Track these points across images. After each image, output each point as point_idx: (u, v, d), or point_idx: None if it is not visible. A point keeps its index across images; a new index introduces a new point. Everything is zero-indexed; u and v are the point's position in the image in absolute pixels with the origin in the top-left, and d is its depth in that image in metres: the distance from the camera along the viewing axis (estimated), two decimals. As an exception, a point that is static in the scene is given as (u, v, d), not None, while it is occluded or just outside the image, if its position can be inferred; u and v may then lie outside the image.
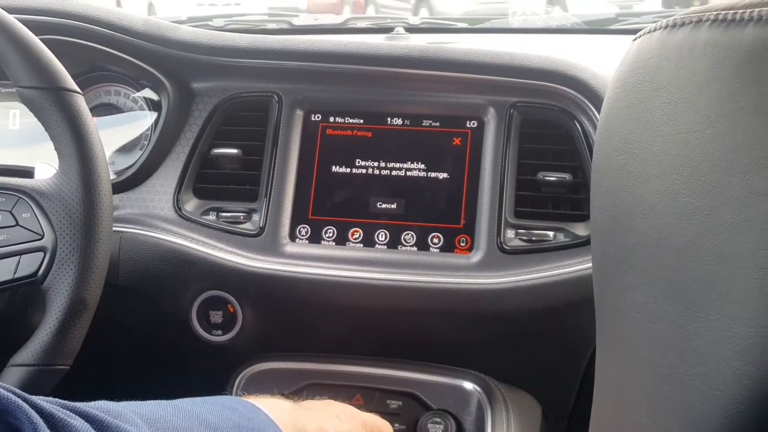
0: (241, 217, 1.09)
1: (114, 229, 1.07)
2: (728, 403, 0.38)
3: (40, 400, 0.55)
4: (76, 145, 0.84)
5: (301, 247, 1.07)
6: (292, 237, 1.08)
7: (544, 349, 1.05)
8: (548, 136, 1.06)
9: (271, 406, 0.75)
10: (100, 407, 0.59)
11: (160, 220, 1.10)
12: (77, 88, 0.88)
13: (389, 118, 1.09)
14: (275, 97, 1.11)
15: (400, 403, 1.05)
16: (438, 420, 1.02)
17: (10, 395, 0.52)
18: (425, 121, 1.08)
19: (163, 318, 1.10)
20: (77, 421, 0.55)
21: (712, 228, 0.40)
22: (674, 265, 0.42)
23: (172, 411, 0.65)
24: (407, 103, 1.09)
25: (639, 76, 0.46)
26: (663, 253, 0.43)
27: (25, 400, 0.53)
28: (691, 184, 0.41)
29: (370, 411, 1.00)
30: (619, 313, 0.49)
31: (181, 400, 0.70)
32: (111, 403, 0.62)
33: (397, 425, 1.04)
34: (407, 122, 1.09)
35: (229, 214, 1.09)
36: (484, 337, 1.05)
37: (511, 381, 1.07)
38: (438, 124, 1.08)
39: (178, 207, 1.10)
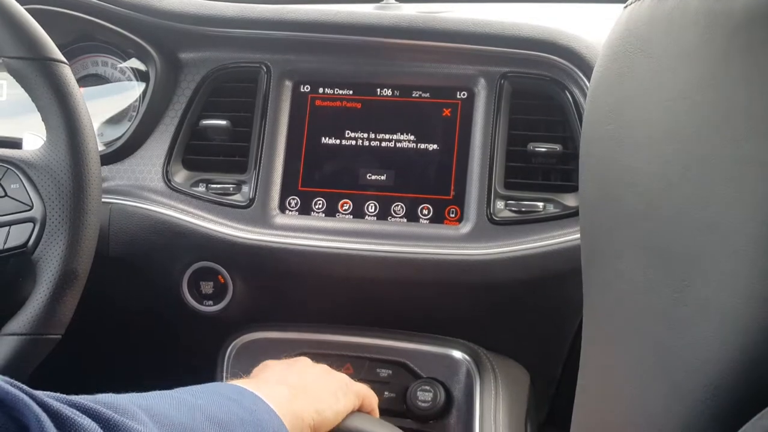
0: (231, 189, 1.09)
1: (103, 200, 1.07)
2: (713, 372, 0.38)
3: (46, 397, 0.54)
4: (64, 116, 0.84)
5: (291, 218, 1.07)
6: (282, 208, 1.08)
7: (533, 318, 1.06)
8: (539, 106, 1.05)
9: (270, 394, 0.76)
10: (105, 402, 0.59)
11: (149, 191, 1.10)
12: (63, 58, 0.87)
13: (379, 89, 1.09)
14: (264, 68, 1.10)
15: (390, 371, 1.06)
16: (427, 388, 1.03)
17: (17, 392, 0.52)
18: (415, 92, 1.08)
19: (154, 289, 1.10)
20: (85, 420, 0.55)
21: (700, 197, 0.40)
22: (662, 234, 0.42)
23: (176, 405, 0.65)
24: (397, 74, 1.09)
25: (629, 45, 0.46)
26: (651, 222, 0.43)
27: (30, 396, 0.52)
28: (680, 153, 0.41)
29: (360, 380, 1.01)
30: (606, 282, 0.49)
31: (184, 390, 0.70)
32: (114, 397, 0.61)
33: (386, 393, 1.05)
34: (397, 93, 1.08)
35: (218, 186, 1.09)
36: (474, 307, 1.05)
37: (499, 350, 1.08)
38: (428, 95, 1.07)
39: (167, 178, 1.10)
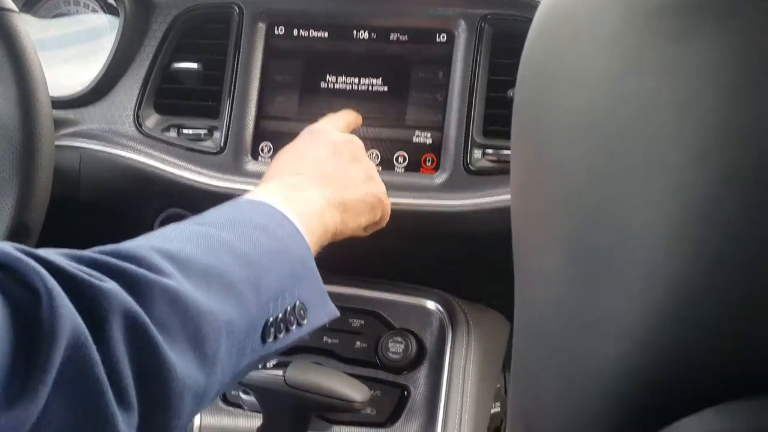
0: (203, 135, 1.06)
1: (74, 144, 1.05)
2: (614, 382, 0.36)
3: (56, 255, 0.51)
4: (13, 67, 0.81)
5: (263, 165, 1.05)
6: (254, 155, 1.05)
7: (510, 269, 1.03)
8: (521, 50, 1.01)
9: (303, 209, 0.75)
10: (123, 254, 0.56)
11: (120, 136, 1.07)
12: (14, 7, 0.84)
13: (355, 31, 1.04)
14: (236, 8, 1.06)
15: (362, 321, 1.05)
16: (399, 339, 1.01)
17: (19, 254, 0.48)
18: (393, 35, 1.03)
19: (125, 236, 1.08)
20: (105, 284, 0.51)
21: (612, 198, 0.37)
22: (577, 232, 0.40)
23: (201, 243, 0.63)
24: (374, 16, 1.04)
25: (555, 21, 0.43)
26: (569, 217, 0.41)
27: (36, 258, 0.49)
28: (596, 149, 0.38)
29: (331, 329, 1.01)
30: (528, 272, 0.47)
31: (208, 218, 0.68)
32: (131, 244, 0.58)
33: (358, 344, 1.04)
34: (374, 35, 1.04)
35: (190, 131, 1.07)
36: (449, 258, 1.03)
37: (475, 299, 1.07)
38: (406, 37, 1.03)
39: (138, 123, 1.07)
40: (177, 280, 0.57)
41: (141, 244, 0.59)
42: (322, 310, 0.73)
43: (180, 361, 0.55)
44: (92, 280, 0.51)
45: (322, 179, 0.82)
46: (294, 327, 0.68)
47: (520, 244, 0.49)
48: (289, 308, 0.67)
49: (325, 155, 0.86)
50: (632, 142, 0.36)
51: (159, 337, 0.53)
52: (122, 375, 0.51)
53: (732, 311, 0.31)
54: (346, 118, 0.96)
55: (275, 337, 0.66)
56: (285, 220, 0.71)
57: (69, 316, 0.48)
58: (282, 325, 0.66)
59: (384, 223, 0.91)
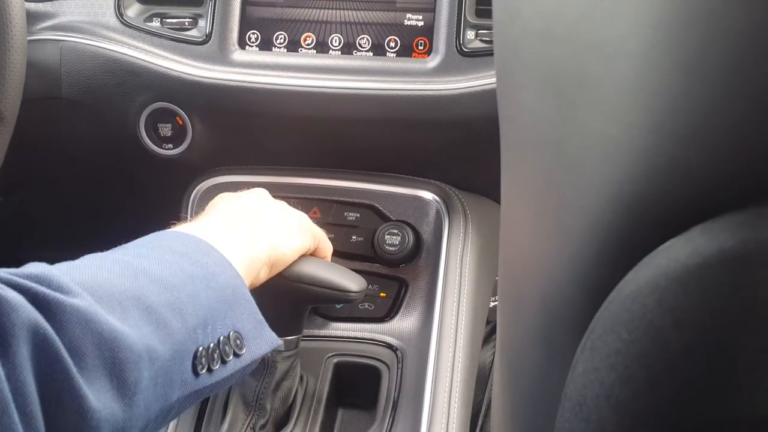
0: (187, 23, 1.02)
1: (53, 37, 1.01)
2: (596, 210, 0.34)
3: None
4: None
5: (251, 54, 1.01)
6: (241, 44, 1.01)
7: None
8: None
9: (224, 238, 0.71)
10: (34, 276, 0.53)
11: (101, 27, 1.03)
12: None
13: None
14: None
15: (358, 214, 1.02)
16: (395, 231, 0.99)
17: None
18: None
19: (111, 132, 1.05)
20: (10, 293, 0.49)
21: (590, 10, 0.34)
22: (555, 57, 0.37)
23: (117, 270, 0.60)
24: None
25: None
26: (546, 44, 0.37)
27: None
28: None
29: (327, 223, 0.98)
30: (510, 116, 0.44)
31: (127, 249, 0.65)
32: (46, 268, 0.55)
33: (354, 237, 1.02)
34: None
35: (174, 20, 1.02)
36: (444, 144, 1.00)
37: (473, 188, 1.04)
38: None
39: (119, 13, 1.03)
40: (87, 302, 0.53)
41: (51, 268, 0.55)
42: (262, 340, 0.68)
43: (94, 389, 0.51)
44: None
45: (243, 214, 0.79)
46: (231, 358, 0.64)
47: (501, 84, 0.46)
48: (222, 338, 0.63)
49: (254, 201, 0.83)
50: None
51: (70, 361, 0.49)
52: (28, 399, 0.47)
53: (719, 114, 0.28)
54: (328, 248, 0.90)
55: (209, 369, 0.62)
56: (209, 249, 0.68)
57: None
58: (216, 356, 0.62)
59: (327, 249, 0.88)
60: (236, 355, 0.65)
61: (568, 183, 0.36)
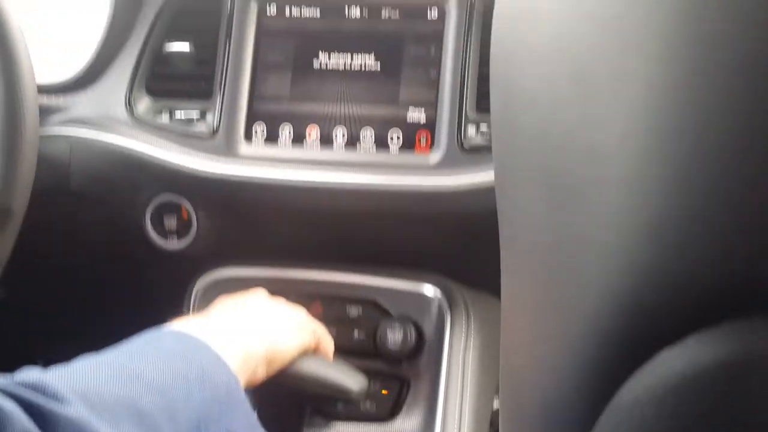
0: (195, 118, 1.04)
1: (64, 132, 1.03)
2: (594, 315, 0.34)
3: None
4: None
5: (257, 147, 1.02)
6: (248, 136, 1.03)
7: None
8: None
9: (221, 338, 0.71)
10: (29, 383, 0.53)
11: (112, 121, 1.05)
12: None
13: (347, 9, 1.02)
14: (227, -12, 1.04)
15: (360, 310, 1.02)
16: (397, 327, 0.98)
17: None
18: (384, 10, 1.01)
19: (117, 225, 1.06)
20: (6, 404, 0.49)
21: (583, 118, 0.35)
22: (550, 163, 0.37)
23: (112, 375, 0.60)
24: (365, -8, 1.02)
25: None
26: (542, 149, 0.38)
27: None
28: (564, 71, 0.36)
29: (330, 318, 0.98)
30: (509, 217, 0.44)
31: (123, 352, 0.65)
32: (41, 374, 0.56)
33: (356, 333, 1.01)
34: (366, 12, 1.02)
35: (182, 115, 1.04)
36: (446, 240, 1.00)
37: (475, 284, 1.04)
38: (397, 14, 1.01)
39: (130, 107, 1.05)
40: (79, 411, 0.53)
41: (45, 374, 0.56)
42: None
43: None
44: None
45: (240, 312, 0.80)
46: None
47: (500, 185, 0.46)
48: None
49: (252, 301, 0.84)
50: (597, 59, 0.34)
51: None
52: None
53: (715, 224, 0.29)
54: (329, 345, 0.92)
55: None
56: (204, 347, 0.68)
57: None
58: None
59: (328, 346, 0.88)
60: None
61: (566, 287, 0.36)
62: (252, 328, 0.77)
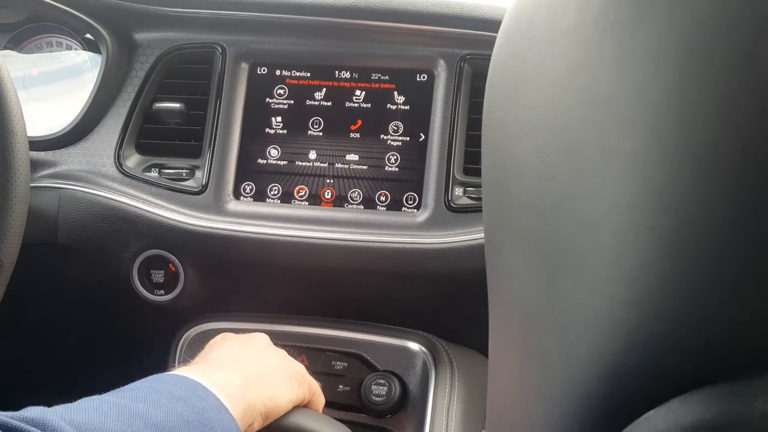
0: (184, 174, 1.06)
1: (53, 185, 1.04)
2: (579, 377, 0.35)
3: None
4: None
5: (246, 205, 1.04)
6: (237, 194, 1.05)
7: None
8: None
9: (221, 384, 0.71)
10: (31, 419, 0.54)
11: (101, 176, 1.07)
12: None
13: (337, 72, 1.05)
14: (219, 48, 1.07)
15: (346, 364, 1.03)
16: (382, 382, 0.99)
17: None
18: (374, 75, 1.04)
19: (104, 278, 1.07)
20: None
21: (571, 190, 0.36)
22: (540, 230, 0.39)
23: (113, 414, 0.60)
24: (355, 56, 1.05)
25: (517, 26, 0.43)
26: (532, 217, 0.40)
27: None
28: (555, 143, 0.38)
29: (315, 372, 0.99)
30: (498, 279, 0.46)
31: (124, 393, 0.65)
32: (42, 411, 0.56)
33: (341, 387, 1.02)
34: (356, 76, 1.05)
35: (171, 171, 1.06)
36: (432, 297, 1.02)
37: (459, 340, 1.05)
38: (387, 77, 1.04)
39: (119, 163, 1.07)
40: None
41: (48, 411, 0.57)
42: None
43: None
44: None
45: (243, 361, 0.80)
46: None
47: (490, 248, 0.48)
48: None
49: (255, 347, 0.85)
50: (588, 133, 0.36)
51: None
52: None
53: (695, 294, 0.30)
54: (321, 400, 0.91)
55: None
56: (206, 392, 0.69)
57: None
58: None
59: (320, 401, 0.88)
60: None
61: (552, 349, 0.38)
62: (254, 381, 0.77)
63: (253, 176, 1.05)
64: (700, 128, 0.31)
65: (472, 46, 1.01)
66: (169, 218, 1.03)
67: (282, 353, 0.87)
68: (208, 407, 0.67)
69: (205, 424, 0.65)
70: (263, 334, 0.89)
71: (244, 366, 0.79)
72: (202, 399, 0.68)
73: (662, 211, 0.31)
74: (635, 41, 0.34)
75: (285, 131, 1.05)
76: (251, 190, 1.05)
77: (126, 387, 0.67)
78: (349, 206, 1.03)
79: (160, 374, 0.72)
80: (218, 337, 0.87)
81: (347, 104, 1.04)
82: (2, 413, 0.53)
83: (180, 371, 0.73)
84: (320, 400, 0.88)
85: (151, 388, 0.66)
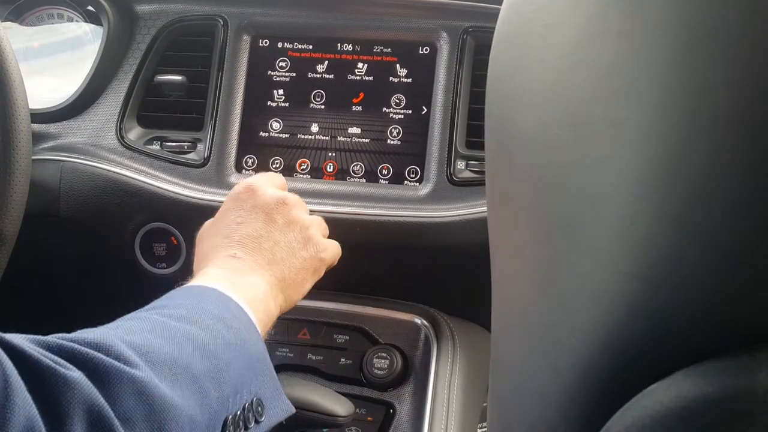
0: (186, 147, 1.05)
1: (55, 157, 1.04)
2: (585, 351, 0.35)
3: (18, 340, 0.48)
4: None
5: (248, 178, 1.03)
6: (239, 167, 1.05)
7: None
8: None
9: (251, 297, 0.72)
10: (88, 341, 0.53)
11: (102, 149, 1.06)
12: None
13: (339, 44, 1.04)
14: (220, 20, 1.06)
15: (347, 337, 1.03)
16: (384, 354, 1.00)
17: None
18: (376, 47, 1.03)
19: (106, 251, 1.07)
20: (70, 372, 0.49)
21: (576, 163, 0.36)
22: (544, 202, 0.39)
23: (163, 334, 0.60)
24: (358, 29, 1.04)
25: (523, 6, 0.42)
26: (535, 189, 0.40)
27: None
28: (559, 115, 0.37)
29: (316, 345, 0.99)
30: (501, 252, 0.46)
31: (169, 309, 0.65)
32: (95, 332, 0.56)
33: (343, 360, 1.02)
34: (358, 48, 1.04)
35: (173, 144, 1.06)
36: (434, 271, 1.02)
37: (461, 314, 1.05)
38: (389, 50, 1.03)
39: (120, 136, 1.06)
40: (144, 371, 0.54)
41: (106, 333, 0.57)
42: (279, 406, 0.70)
43: None
44: (57, 367, 0.49)
45: (260, 259, 0.78)
46: (252, 425, 0.65)
47: (493, 221, 0.48)
48: (246, 404, 0.65)
49: (258, 227, 0.81)
50: (593, 105, 0.35)
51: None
52: None
53: (699, 267, 0.30)
54: (278, 179, 0.91)
55: None
56: (240, 311, 0.69)
57: (23, 406, 0.45)
58: (240, 423, 0.63)
59: (334, 262, 0.88)
60: (257, 421, 0.65)
61: (556, 321, 0.38)
62: (279, 285, 0.77)
63: (255, 149, 1.04)
64: (705, 100, 0.30)
65: (475, 18, 1.00)
66: (171, 191, 1.02)
67: (305, 236, 0.83)
68: (242, 327, 0.68)
69: (242, 346, 0.66)
70: (282, 198, 0.84)
71: (271, 265, 0.78)
72: (236, 318, 0.69)
73: (668, 184, 0.31)
74: (641, 12, 0.33)
75: (287, 104, 1.04)
76: (253, 163, 1.04)
77: (166, 301, 0.68)
78: (351, 180, 1.02)
79: (195, 285, 0.72)
80: (242, 191, 0.84)
81: (349, 77, 1.04)
82: (56, 336, 0.53)
83: (208, 281, 0.72)
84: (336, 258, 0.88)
85: (195, 308, 0.66)
